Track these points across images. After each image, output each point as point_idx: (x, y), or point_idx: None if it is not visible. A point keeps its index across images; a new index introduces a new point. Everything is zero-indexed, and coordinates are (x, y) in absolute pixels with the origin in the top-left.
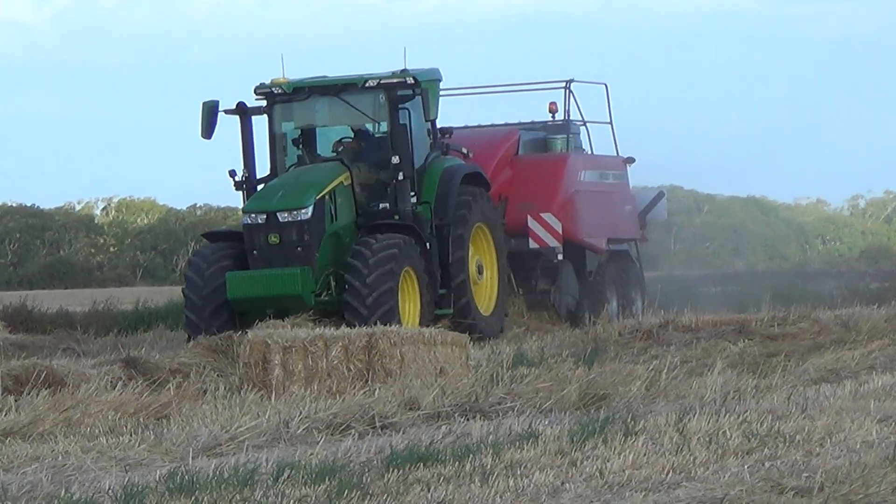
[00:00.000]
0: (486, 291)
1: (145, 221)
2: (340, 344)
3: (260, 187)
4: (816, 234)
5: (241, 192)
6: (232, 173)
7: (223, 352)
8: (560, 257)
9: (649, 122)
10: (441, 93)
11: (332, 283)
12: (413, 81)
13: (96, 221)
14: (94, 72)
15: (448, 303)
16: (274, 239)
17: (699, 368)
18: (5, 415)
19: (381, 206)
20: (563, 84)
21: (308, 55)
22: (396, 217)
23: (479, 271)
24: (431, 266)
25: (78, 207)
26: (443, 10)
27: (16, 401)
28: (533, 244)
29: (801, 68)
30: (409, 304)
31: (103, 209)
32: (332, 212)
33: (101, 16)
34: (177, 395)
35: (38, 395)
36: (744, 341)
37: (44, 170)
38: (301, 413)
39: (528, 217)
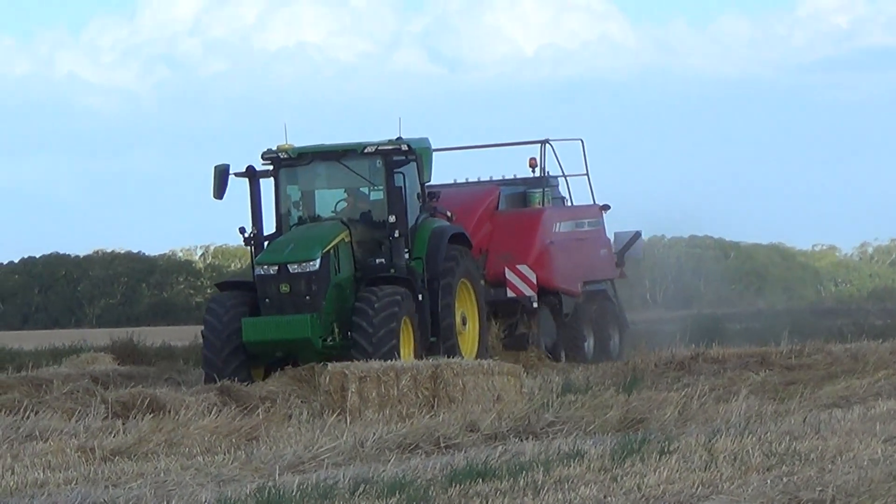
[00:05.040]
0: (469, 340)
1: (238, 266)
2: (410, 374)
3: (266, 243)
4: (829, 276)
5: (249, 248)
6: (242, 230)
7: (306, 381)
8: (535, 305)
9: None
10: (436, 150)
11: (336, 329)
12: (407, 148)
13: (195, 266)
14: (192, 133)
15: (437, 349)
16: (285, 288)
17: (726, 395)
18: (114, 436)
19: (378, 261)
20: (540, 142)
21: (310, 122)
22: (392, 270)
23: (463, 322)
24: (424, 315)
25: (179, 253)
26: (437, 81)
27: (123, 424)
28: (510, 293)
29: (815, 133)
30: (405, 349)
31: (201, 255)
32: (336, 265)
33: (197, 84)
34: (265, 420)
35: (142, 419)
36: (765, 371)
37: (149, 220)
38: (374, 435)
39: (506, 269)
